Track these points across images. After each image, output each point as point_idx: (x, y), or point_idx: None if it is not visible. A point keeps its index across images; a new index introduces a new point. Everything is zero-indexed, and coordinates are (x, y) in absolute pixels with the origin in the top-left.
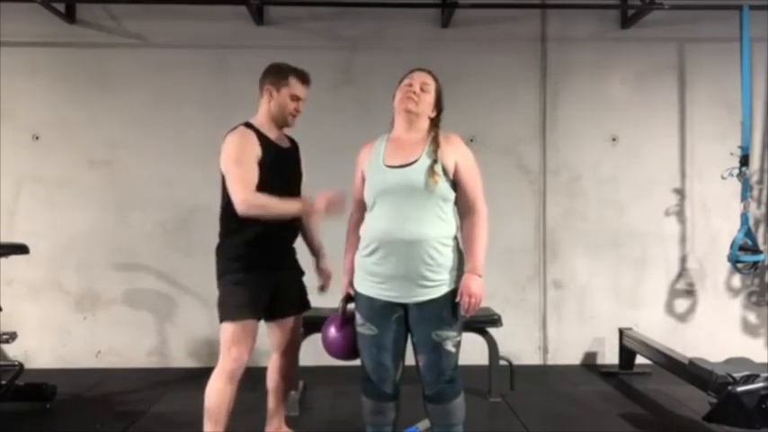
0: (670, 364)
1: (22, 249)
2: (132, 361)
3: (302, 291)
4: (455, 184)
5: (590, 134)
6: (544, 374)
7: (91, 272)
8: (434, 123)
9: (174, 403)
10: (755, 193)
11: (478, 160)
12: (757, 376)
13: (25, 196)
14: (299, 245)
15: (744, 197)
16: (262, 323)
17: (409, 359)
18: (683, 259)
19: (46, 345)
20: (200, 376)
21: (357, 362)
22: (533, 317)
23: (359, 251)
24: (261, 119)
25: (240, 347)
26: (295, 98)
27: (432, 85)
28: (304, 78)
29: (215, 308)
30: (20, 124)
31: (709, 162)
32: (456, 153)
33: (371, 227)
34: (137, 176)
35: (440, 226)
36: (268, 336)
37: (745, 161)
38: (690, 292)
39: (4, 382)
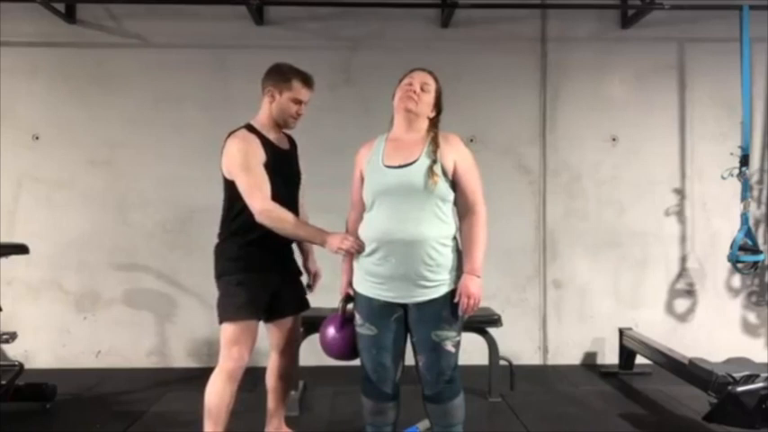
0: (670, 364)
1: (22, 249)
2: (132, 361)
3: (301, 291)
4: (454, 184)
5: (590, 134)
6: (544, 374)
7: (91, 272)
8: (434, 123)
9: (174, 403)
10: (755, 193)
11: (478, 160)
12: (757, 376)
13: (25, 196)
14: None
15: (744, 197)
16: (261, 323)
17: (409, 359)
18: (683, 259)
19: (46, 345)
20: (201, 376)
21: (357, 362)
22: (533, 317)
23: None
24: (262, 120)
25: (241, 348)
26: (297, 101)
27: (432, 85)
28: (307, 82)
29: (215, 308)
30: (20, 124)
31: (710, 162)
32: (455, 153)
33: (370, 227)
34: (137, 176)
35: (439, 226)
36: (267, 336)
37: (745, 161)
38: (690, 292)
39: (4, 382)
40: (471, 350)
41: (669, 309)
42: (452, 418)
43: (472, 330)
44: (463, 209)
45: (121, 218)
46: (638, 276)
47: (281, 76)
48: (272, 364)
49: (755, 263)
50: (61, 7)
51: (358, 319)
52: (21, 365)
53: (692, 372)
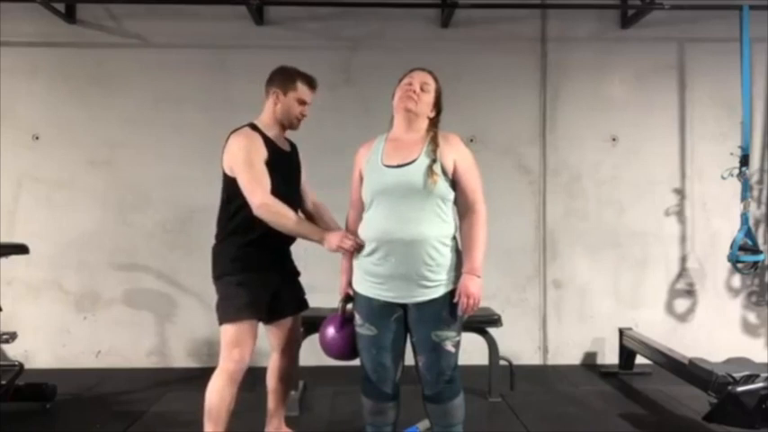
0: (670, 364)
1: (22, 249)
2: (132, 361)
3: (300, 291)
4: (454, 183)
5: (590, 134)
6: (544, 374)
7: (91, 272)
8: (433, 123)
9: (174, 403)
10: (755, 193)
11: (478, 160)
12: (757, 376)
13: (25, 196)
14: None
15: (744, 197)
16: (261, 324)
17: (409, 359)
18: (683, 259)
19: (46, 345)
20: (201, 376)
21: (357, 362)
22: (533, 317)
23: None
24: (265, 121)
25: (242, 348)
26: (302, 102)
27: (432, 85)
28: (311, 83)
29: (215, 308)
30: (20, 124)
31: (710, 162)
32: (455, 153)
33: (370, 227)
34: (137, 176)
35: (439, 226)
36: (267, 337)
37: (745, 161)
38: (690, 292)
39: (4, 382)
40: (471, 350)
41: (669, 309)
42: (452, 418)
43: (472, 330)
44: (463, 208)
45: (121, 218)
46: (638, 276)
47: (286, 77)
48: (272, 364)
49: (755, 263)
50: (61, 7)
51: (358, 319)
52: (21, 365)
53: (692, 372)
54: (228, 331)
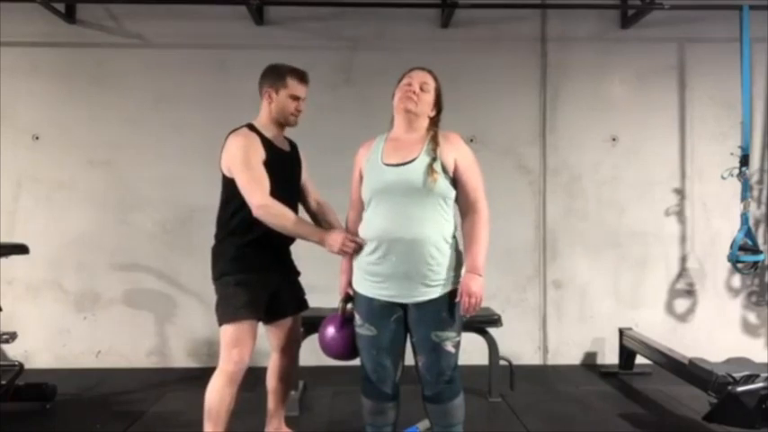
0: (670, 364)
1: (21, 249)
2: (132, 361)
3: (300, 291)
4: (455, 182)
5: (590, 134)
6: (544, 374)
7: (91, 272)
8: (434, 123)
9: (174, 403)
10: (755, 193)
11: (478, 160)
12: (757, 376)
13: (25, 196)
14: (295, 246)
15: (744, 197)
16: (261, 324)
17: (409, 359)
18: (683, 259)
19: (46, 345)
20: (201, 376)
21: (357, 362)
22: (533, 317)
23: None
24: (263, 121)
25: (241, 349)
26: (295, 98)
27: (431, 85)
28: (302, 77)
29: (214, 308)
30: (20, 124)
31: (710, 162)
32: (456, 151)
33: (370, 226)
34: (137, 176)
35: (440, 225)
36: (267, 337)
37: (745, 161)
38: (690, 292)
39: (4, 382)
40: (471, 350)
41: (669, 309)
42: (452, 418)
43: (472, 330)
44: (465, 207)
45: (121, 218)
46: (638, 276)
47: (276, 75)
48: (272, 364)
49: (755, 263)
50: (61, 7)
51: (357, 319)
52: (21, 365)
53: (692, 372)
54: (228, 331)
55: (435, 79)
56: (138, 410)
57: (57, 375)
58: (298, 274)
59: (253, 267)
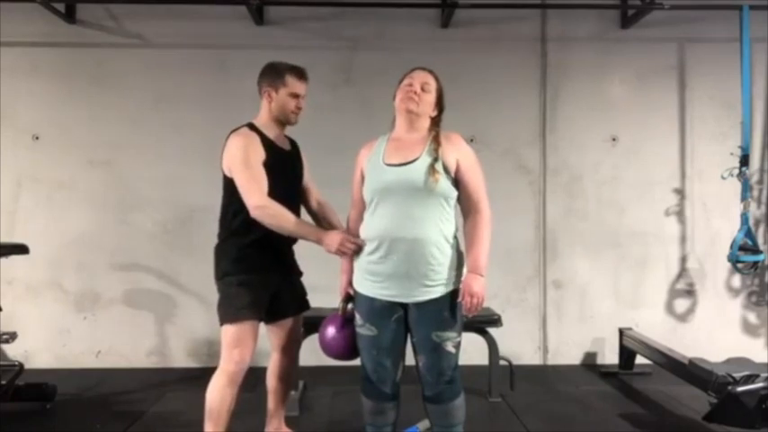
0: (670, 364)
1: (22, 249)
2: (132, 361)
3: (301, 291)
4: (457, 182)
5: (590, 134)
6: (544, 374)
7: (91, 272)
8: (435, 123)
9: (174, 403)
10: (755, 193)
11: (479, 160)
12: (757, 376)
13: (25, 196)
14: (296, 246)
15: (744, 197)
16: (262, 325)
17: (409, 359)
18: (683, 259)
19: (46, 345)
20: (201, 376)
21: (357, 362)
22: (533, 317)
23: None
24: (263, 120)
25: (242, 349)
26: (294, 96)
27: (432, 85)
28: (300, 75)
29: (215, 308)
30: (20, 124)
31: (710, 162)
32: (457, 151)
33: (371, 225)
34: (137, 176)
35: (442, 225)
36: (268, 336)
37: (745, 161)
38: (690, 292)
39: (4, 382)
40: (471, 350)
41: (669, 309)
42: (453, 418)
43: (472, 330)
44: (466, 208)
45: (121, 218)
46: (638, 276)
47: (274, 73)
48: (272, 364)
49: (755, 263)
50: (61, 7)
51: (358, 319)
52: (21, 365)
53: (692, 372)
54: (229, 332)
55: (437, 79)
56: (138, 410)
57: (57, 375)
58: (300, 274)
59: (255, 268)
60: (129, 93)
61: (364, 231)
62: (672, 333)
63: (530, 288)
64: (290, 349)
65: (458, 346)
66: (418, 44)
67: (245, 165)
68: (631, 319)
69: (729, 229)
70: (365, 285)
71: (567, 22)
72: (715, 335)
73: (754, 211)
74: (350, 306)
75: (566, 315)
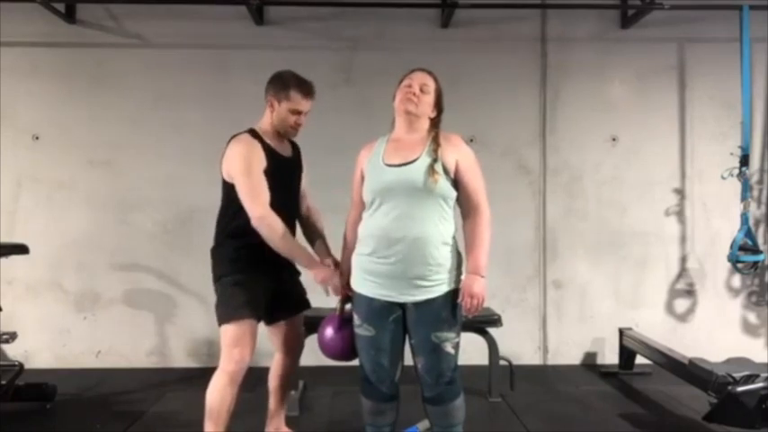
0: (670, 364)
1: (21, 249)
2: (132, 361)
3: (301, 290)
4: (456, 183)
5: (590, 134)
6: (544, 374)
7: (91, 272)
8: (435, 123)
9: (174, 403)
10: (755, 193)
11: (478, 160)
12: (757, 376)
13: (25, 196)
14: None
15: (744, 197)
16: (262, 325)
17: (409, 359)
18: (683, 259)
19: (46, 345)
20: (201, 376)
21: (356, 362)
22: (533, 317)
23: (357, 250)
24: (264, 127)
25: (242, 349)
26: (296, 112)
27: (431, 86)
28: (306, 92)
29: (214, 310)
30: (20, 124)
31: (710, 162)
32: (457, 152)
33: (371, 226)
34: (137, 176)
35: (441, 225)
36: (270, 338)
37: (745, 161)
38: (690, 292)
39: (4, 382)
40: (471, 350)
41: (669, 309)
42: (453, 419)
43: (472, 330)
44: (466, 209)
45: (121, 218)
46: (638, 276)
47: (280, 85)
48: (275, 364)
49: (755, 263)
50: (61, 7)
51: (356, 319)
52: (21, 365)
53: (692, 372)
54: (228, 332)
55: (436, 80)
56: (138, 410)
57: (57, 375)
58: (299, 273)
59: (250, 268)
60: (129, 93)
61: (364, 231)
62: (672, 333)
63: (530, 288)
64: (293, 348)
65: (457, 346)
66: (418, 44)
67: (246, 173)
68: (631, 319)
69: (729, 229)
70: (364, 285)
71: (566, 23)
72: (715, 335)
73: (754, 211)
74: (348, 306)
75: (566, 315)
